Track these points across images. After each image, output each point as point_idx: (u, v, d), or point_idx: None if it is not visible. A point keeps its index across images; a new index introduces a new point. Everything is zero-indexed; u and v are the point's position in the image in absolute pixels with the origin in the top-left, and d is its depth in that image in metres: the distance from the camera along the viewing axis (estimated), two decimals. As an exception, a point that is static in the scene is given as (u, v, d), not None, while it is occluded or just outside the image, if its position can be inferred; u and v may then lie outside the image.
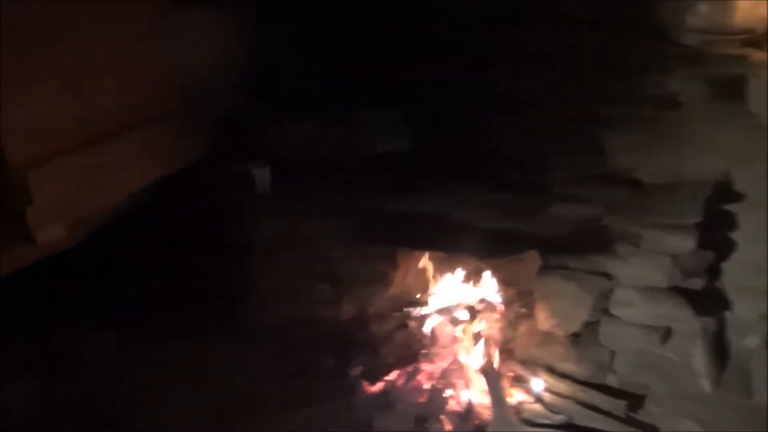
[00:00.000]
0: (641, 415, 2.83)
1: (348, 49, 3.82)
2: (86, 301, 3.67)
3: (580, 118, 3.29)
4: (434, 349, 3.46)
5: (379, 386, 3.29)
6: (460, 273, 3.68)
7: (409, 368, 3.36)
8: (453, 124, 3.59)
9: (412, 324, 3.50)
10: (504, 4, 3.53)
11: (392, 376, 3.34)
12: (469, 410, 3.08)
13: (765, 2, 3.12)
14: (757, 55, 3.06)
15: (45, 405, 3.12)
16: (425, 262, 3.71)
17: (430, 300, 3.66)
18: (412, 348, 3.46)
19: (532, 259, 3.22)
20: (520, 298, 3.61)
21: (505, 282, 3.72)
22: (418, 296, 3.69)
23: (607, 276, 2.94)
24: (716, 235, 2.85)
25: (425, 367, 3.38)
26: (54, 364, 3.35)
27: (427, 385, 3.26)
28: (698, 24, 3.28)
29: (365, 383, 3.30)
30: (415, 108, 3.62)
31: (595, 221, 3.06)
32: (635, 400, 2.87)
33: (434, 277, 3.74)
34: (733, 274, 2.84)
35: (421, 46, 3.70)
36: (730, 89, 2.96)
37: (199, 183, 3.52)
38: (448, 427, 2.97)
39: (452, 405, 3.15)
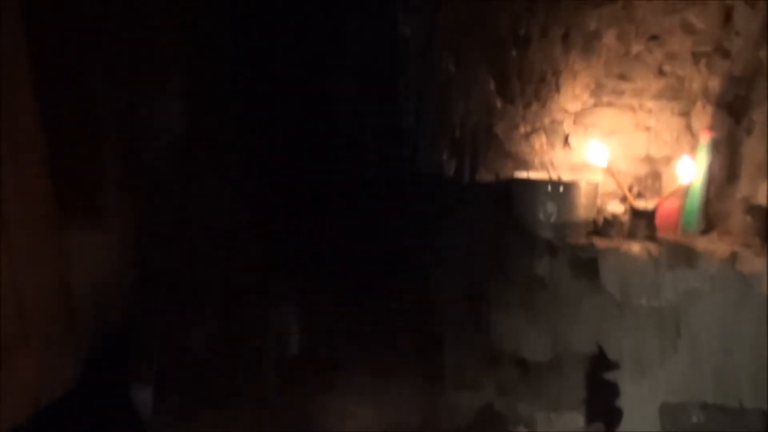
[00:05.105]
0: None
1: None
2: None
3: (465, 302, 3.45)
4: None
5: None
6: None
7: None
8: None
9: None
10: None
11: None
12: None
13: (600, 199, 3.65)
14: (603, 242, 3.47)
15: None
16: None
17: None
18: None
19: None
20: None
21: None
22: None
23: (508, 462, 2.85)
24: (603, 404, 2.90)
25: None
26: None
27: None
28: (549, 220, 3.74)
29: None
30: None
31: (488, 407, 3.05)
32: None
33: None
34: (625, 440, 2.85)
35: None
36: (588, 270, 3.28)
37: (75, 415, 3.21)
38: None
39: None
